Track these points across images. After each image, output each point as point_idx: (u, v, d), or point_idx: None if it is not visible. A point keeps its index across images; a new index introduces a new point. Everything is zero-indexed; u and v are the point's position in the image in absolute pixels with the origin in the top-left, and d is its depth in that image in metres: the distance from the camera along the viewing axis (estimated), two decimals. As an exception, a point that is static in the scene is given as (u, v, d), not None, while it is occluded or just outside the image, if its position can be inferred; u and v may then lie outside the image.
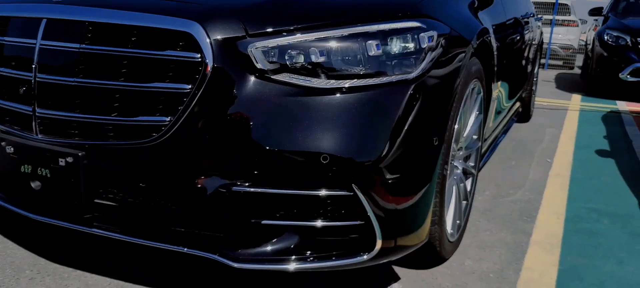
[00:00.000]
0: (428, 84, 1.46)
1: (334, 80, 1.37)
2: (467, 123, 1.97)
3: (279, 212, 1.39)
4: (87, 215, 1.48)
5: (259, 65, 1.35)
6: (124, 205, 1.46)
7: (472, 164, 2.14)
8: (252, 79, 1.35)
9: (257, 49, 1.35)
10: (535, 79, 4.75)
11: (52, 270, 1.69)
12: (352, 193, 1.36)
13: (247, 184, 1.36)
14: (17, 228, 1.97)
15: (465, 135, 1.95)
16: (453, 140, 1.69)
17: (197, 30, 1.32)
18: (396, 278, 1.78)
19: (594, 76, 6.87)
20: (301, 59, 1.37)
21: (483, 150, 2.43)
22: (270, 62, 1.36)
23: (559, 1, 10.02)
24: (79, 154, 1.43)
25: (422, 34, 1.47)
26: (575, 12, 11.20)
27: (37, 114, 1.49)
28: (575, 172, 3.19)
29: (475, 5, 2.02)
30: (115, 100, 1.39)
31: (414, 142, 1.43)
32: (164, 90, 1.35)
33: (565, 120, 4.97)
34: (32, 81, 1.48)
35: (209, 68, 1.32)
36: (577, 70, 9.99)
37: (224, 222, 1.38)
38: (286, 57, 1.36)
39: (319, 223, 1.39)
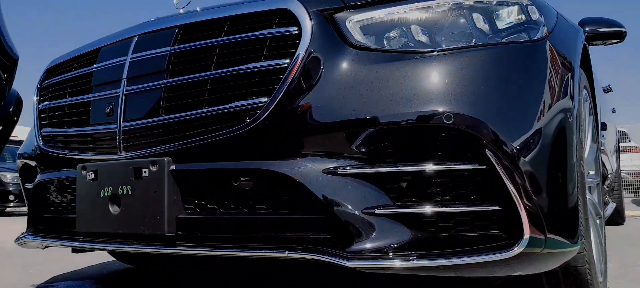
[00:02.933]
0: (554, 46, 1.29)
1: (440, 45, 1.23)
2: (585, 142, 1.72)
3: (395, 198, 1.15)
4: (170, 233, 1.28)
5: (357, 36, 1.23)
6: (213, 212, 1.27)
7: (597, 201, 1.83)
8: (352, 50, 1.22)
9: (356, 20, 1.25)
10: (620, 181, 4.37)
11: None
12: (486, 167, 1.12)
13: (355, 165, 1.16)
14: None
15: (585, 155, 1.69)
16: (579, 139, 1.44)
17: (294, 4, 1.25)
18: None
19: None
20: (403, 28, 1.25)
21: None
22: (370, 32, 1.24)
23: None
24: (165, 160, 1.29)
25: (530, 6, 1.34)
26: (633, 138, 10.86)
27: (122, 129, 1.40)
28: None
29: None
30: (204, 93, 1.29)
31: (548, 110, 1.21)
32: (259, 69, 1.24)
33: (667, 221, 4.44)
34: (120, 96, 1.42)
35: (308, 41, 1.22)
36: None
37: (331, 214, 1.15)
38: (387, 26, 1.25)
39: (445, 209, 1.14)
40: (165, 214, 1.28)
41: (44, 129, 1.67)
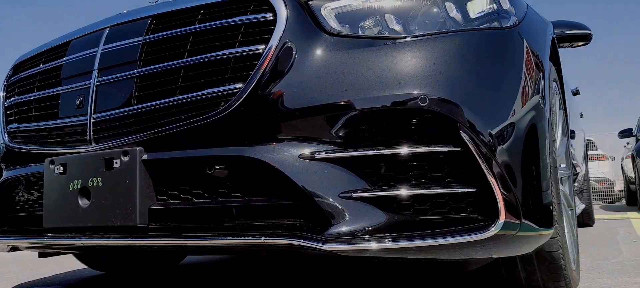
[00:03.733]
0: (525, 35, 1.32)
1: (414, 33, 1.24)
2: (556, 131, 1.75)
3: (372, 182, 1.15)
4: (142, 224, 1.25)
5: (332, 23, 1.24)
6: (186, 202, 1.24)
7: (568, 193, 1.86)
8: (327, 37, 1.23)
9: (331, 8, 1.25)
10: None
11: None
12: (461, 149, 1.13)
13: (332, 150, 1.15)
14: None
15: (557, 145, 1.72)
16: (550, 126, 1.47)
17: (270, -9, 1.25)
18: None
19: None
20: (377, 16, 1.26)
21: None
22: (345, 20, 1.25)
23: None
24: (137, 149, 1.26)
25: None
26: (600, 147, 11.17)
27: (93, 120, 1.36)
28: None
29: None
30: (178, 80, 1.27)
31: (520, 94, 1.24)
32: (234, 55, 1.23)
33: (632, 222, 4.56)
34: (91, 87, 1.39)
35: (282, 28, 1.22)
36: (618, 204, 9.56)
37: (308, 199, 1.14)
38: (361, 14, 1.26)
39: (421, 191, 1.14)
40: (137, 205, 1.25)
41: (10, 125, 1.62)
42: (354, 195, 1.14)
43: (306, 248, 1.12)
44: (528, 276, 1.48)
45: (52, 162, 1.40)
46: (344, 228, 1.13)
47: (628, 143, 8.37)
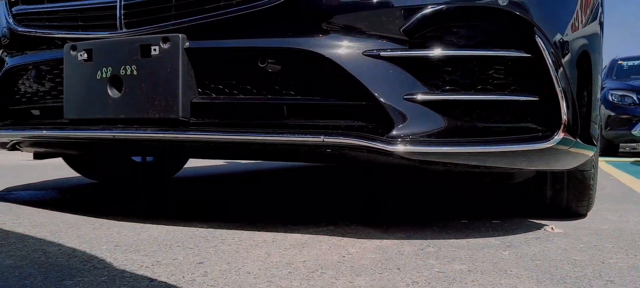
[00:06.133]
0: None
1: None
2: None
3: (436, 85, 1.11)
4: (184, 118, 1.17)
5: None
6: (232, 97, 1.16)
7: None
8: None
9: None
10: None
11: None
12: (531, 56, 1.09)
13: (399, 49, 1.09)
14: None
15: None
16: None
17: None
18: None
19: (607, 137, 6.83)
20: None
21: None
22: None
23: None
24: (179, 36, 1.16)
25: None
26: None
27: (124, 3, 1.24)
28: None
29: None
30: (229, -37, 1.15)
31: (584, 15, 1.21)
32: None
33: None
34: (120, -36, 1.24)
35: None
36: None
37: (372, 99, 1.08)
38: None
39: (486, 97, 1.11)
40: (180, 96, 1.16)
41: (17, 7, 1.45)
42: (419, 97, 1.09)
43: (370, 149, 1.07)
44: (554, 194, 1.51)
45: (73, 48, 1.28)
46: (407, 131, 1.08)
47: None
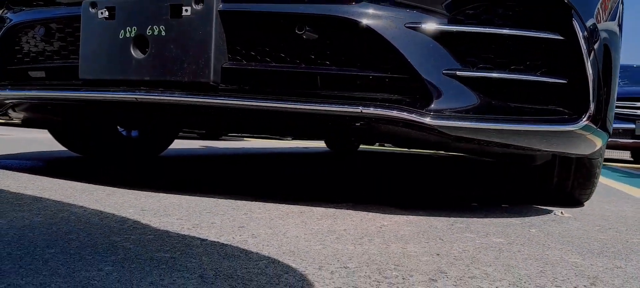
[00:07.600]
0: None
1: None
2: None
3: (472, 62, 1.11)
4: (214, 82, 1.13)
5: None
6: (266, 64, 1.13)
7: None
8: None
9: None
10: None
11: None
12: (564, 38, 1.11)
13: (441, 22, 1.09)
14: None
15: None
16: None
17: None
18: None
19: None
20: None
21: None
22: None
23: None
24: (213, -3, 1.12)
25: None
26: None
27: (151, -41, 1.18)
28: None
29: None
30: None
31: (607, 10, 1.25)
32: None
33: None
34: None
35: None
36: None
37: (412, 72, 1.08)
38: None
39: (520, 76, 1.13)
40: (212, 60, 1.12)
41: (25, -41, 1.37)
42: (459, 73, 1.10)
43: (408, 122, 1.07)
44: (560, 182, 1.56)
45: (93, 5, 1.21)
46: (444, 106, 1.09)
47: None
